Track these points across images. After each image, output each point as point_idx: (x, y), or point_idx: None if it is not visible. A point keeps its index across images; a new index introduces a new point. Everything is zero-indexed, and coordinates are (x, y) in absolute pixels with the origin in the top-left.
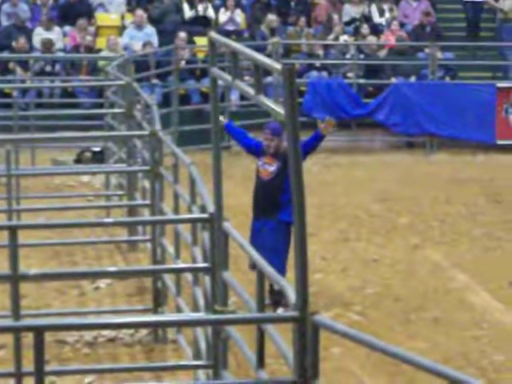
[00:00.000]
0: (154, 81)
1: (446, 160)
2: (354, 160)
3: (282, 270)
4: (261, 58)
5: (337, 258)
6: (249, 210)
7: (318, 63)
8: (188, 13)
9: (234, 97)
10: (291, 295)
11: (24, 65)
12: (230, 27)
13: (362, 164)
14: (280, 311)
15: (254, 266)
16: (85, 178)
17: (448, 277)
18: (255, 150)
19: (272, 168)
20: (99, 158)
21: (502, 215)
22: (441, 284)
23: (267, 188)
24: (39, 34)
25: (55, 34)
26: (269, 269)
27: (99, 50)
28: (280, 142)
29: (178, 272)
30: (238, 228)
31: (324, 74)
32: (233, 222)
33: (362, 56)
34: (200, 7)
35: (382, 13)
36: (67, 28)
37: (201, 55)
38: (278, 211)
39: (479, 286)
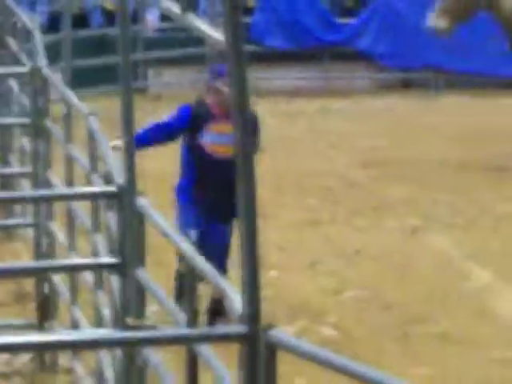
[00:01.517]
0: None
1: (457, 105)
2: (327, 106)
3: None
4: None
5: (302, 248)
6: (174, 179)
7: None
8: None
9: (151, 17)
10: (236, 302)
11: None
12: None
13: (339, 112)
14: (220, 325)
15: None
16: None
17: (461, 274)
18: (187, 123)
19: (231, 138)
20: None
21: None
22: (451, 284)
23: (227, 172)
24: None
25: None
26: (205, 265)
27: None
28: None
29: (72, 270)
30: (160, 206)
31: None
32: (151, 196)
33: None
34: None
35: None
36: None
37: None
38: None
39: (506, 286)
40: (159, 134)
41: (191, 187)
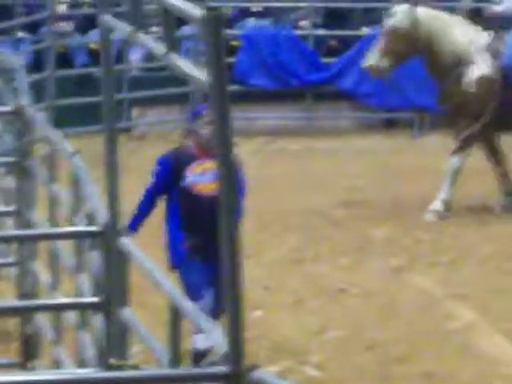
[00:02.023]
0: (20, 34)
1: (441, 145)
2: (310, 146)
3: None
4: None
5: (285, 287)
6: (159, 220)
7: (256, 7)
8: None
9: (135, 56)
10: (220, 342)
11: None
12: None
13: (322, 151)
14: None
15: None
16: None
17: (445, 313)
18: (170, 171)
19: (214, 175)
20: None
21: None
22: (435, 324)
23: (213, 210)
24: None
25: None
26: (187, 305)
27: None
28: None
29: (56, 309)
30: (144, 245)
31: (266, 22)
32: (135, 237)
33: None
34: None
35: None
36: None
37: None
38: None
39: (490, 325)
40: (151, 198)
41: (181, 240)
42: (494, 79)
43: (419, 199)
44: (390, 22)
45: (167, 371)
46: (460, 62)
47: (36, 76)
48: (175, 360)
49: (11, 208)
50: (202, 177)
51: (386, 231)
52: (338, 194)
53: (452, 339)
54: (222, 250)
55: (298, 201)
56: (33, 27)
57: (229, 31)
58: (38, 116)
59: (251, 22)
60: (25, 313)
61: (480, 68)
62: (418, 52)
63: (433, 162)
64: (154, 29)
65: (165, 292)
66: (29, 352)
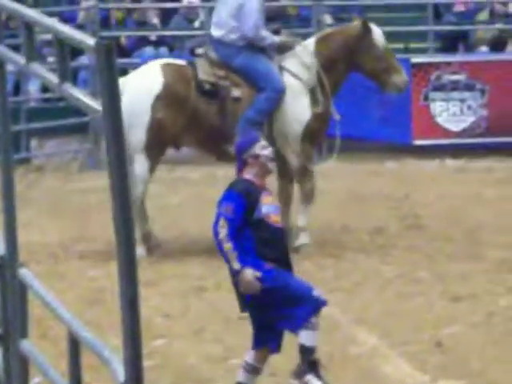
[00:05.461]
0: None
1: (340, 170)
2: (210, 174)
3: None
4: (67, 30)
5: (187, 315)
6: (59, 251)
7: (153, 36)
8: None
9: (33, 87)
10: (119, 371)
11: None
12: None
13: (221, 179)
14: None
15: None
16: None
17: (347, 338)
18: (248, 204)
19: (277, 208)
20: None
21: (423, 246)
22: (337, 348)
23: (284, 240)
24: None
25: None
26: (84, 334)
27: None
28: None
29: None
30: (44, 276)
31: (163, 50)
32: (34, 268)
33: None
34: None
35: None
36: None
37: None
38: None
39: (393, 349)
40: (234, 236)
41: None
42: None
43: (320, 224)
44: None
45: None
46: None
47: None
48: None
49: None
50: (272, 208)
51: None
52: None
53: (355, 364)
54: (119, 273)
55: (198, 227)
56: None
57: (125, 60)
58: None
59: (148, 51)
60: None
61: None
62: None
63: (332, 187)
64: (52, 59)
65: (64, 323)
66: None
